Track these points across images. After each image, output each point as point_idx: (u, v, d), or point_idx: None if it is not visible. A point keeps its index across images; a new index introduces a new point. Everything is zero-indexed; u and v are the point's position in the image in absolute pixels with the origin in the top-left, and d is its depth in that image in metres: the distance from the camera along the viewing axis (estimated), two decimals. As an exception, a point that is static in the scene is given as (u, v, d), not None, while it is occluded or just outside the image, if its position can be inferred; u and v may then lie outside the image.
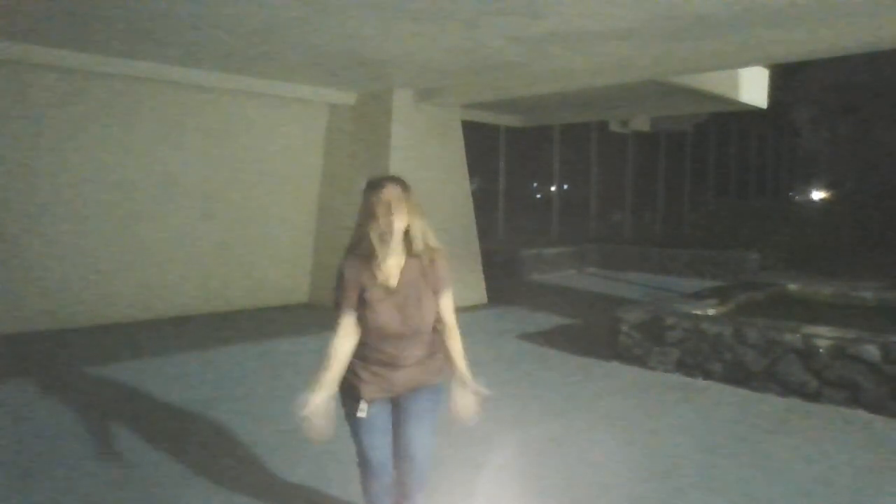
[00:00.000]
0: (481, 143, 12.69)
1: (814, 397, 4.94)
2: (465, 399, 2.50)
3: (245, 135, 8.72)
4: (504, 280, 11.21)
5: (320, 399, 2.35)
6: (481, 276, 9.53)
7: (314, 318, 8.17)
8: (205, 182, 8.39)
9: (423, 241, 2.40)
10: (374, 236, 2.35)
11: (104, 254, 7.56)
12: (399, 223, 2.35)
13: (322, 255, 9.30)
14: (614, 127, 13.66)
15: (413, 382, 2.48)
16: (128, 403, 4.86)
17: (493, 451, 3.98)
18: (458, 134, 9.63)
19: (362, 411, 2.44)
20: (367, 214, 2.36)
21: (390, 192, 2.34)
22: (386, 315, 2.38)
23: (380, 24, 5.51)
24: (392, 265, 2.40)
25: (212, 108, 8.34)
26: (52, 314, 7.19)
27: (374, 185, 2.39)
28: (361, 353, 2.46)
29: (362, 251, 2.39)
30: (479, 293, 9.38)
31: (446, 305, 2.50)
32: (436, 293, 2.46)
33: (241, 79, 7.87)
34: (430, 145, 8.97)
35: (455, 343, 2.53)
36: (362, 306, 2.39)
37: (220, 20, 5.47)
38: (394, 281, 2.39)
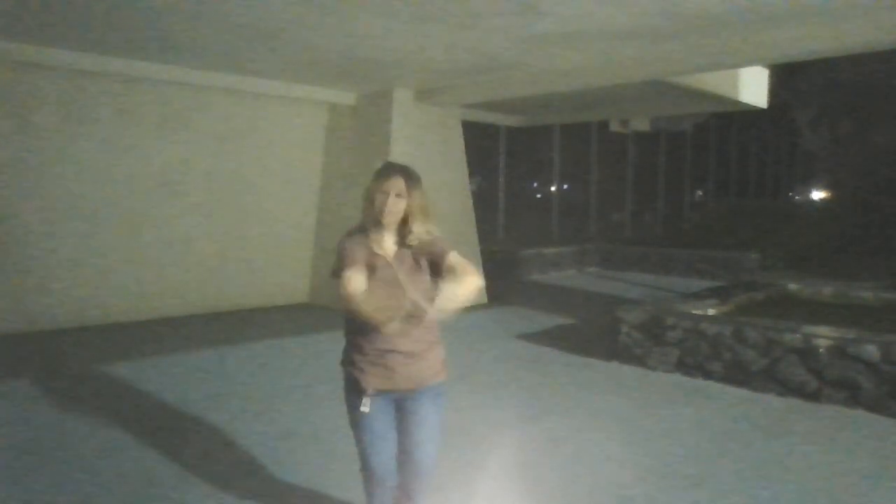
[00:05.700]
0: (481, 143, 12.70)
1: (814, 397, 4.94)
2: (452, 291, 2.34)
3: (245, 135, 8.72)
4: (504, 280, 11.22)
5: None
6: (481, 275, 9.51)
7: (314, 318, 8.17)
8: (205, 182, 8.39)
9: (422, 236, 2.41)
10: (368, 220, 2.42)
11: (103, 253, 7.56)
12: (392, 216, 2.37)
13: (322, 256, 9.29)
14: (614, 127, 13.67)
15: (415, 378, 2.43)
16: (127, 402, 4.86)
17: (493, 451, 3.99)
18: (458, 134, 9.64)
19: (365, 405, 2.41)
20: (368, 199, 2.42)
21: (393, 184, 2.38)
22: (376, 288, 2.36)
23: (380, 24, 5.51)
24: (386, 247, 2.43)
25: (212, 109, 8.35)
26: (52, 313, 7.19)
27: (381, 173, 2.43)
28: (358, 342, 2.45)
29: (360, 231, 2.45)
30: (478, 293, 9.36)
31: (455, 258, 2.44)
32: (439, 265, 2.41)
33: (241, 79, 7.87)
34: (429, 145, 8.97)
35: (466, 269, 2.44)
36: None
37: (219, 20, 5.47)
38: (387, 258, 2.41)
